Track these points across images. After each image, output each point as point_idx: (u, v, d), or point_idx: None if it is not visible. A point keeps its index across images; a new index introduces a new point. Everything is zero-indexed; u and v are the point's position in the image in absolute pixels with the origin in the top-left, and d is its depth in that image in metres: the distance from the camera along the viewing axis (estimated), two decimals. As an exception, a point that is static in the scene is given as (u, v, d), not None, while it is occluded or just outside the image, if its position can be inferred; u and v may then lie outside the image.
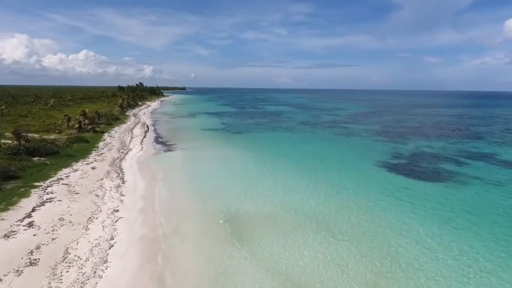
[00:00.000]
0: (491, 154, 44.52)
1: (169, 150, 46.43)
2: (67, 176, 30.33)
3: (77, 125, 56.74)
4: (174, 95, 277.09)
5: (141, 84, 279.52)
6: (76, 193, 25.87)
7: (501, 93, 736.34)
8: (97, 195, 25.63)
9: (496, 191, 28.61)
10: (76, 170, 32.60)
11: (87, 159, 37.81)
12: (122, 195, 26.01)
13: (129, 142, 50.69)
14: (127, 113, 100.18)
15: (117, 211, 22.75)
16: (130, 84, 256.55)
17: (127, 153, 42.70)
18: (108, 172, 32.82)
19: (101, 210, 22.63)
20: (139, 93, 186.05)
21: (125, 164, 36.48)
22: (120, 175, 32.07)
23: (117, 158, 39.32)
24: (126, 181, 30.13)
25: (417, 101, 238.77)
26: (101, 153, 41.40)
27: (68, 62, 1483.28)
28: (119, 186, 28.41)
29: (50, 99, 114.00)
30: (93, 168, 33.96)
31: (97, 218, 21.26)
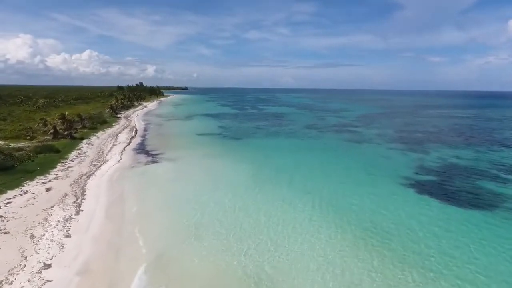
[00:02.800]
0: (533, 168, 37.39)
1: (152, 162, 39.56)
2: (8, 203, 23.58)
3: (51, 131, 50.13)
4: (175, 95, 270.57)
5: (141, 84, 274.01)
6: (5, 233, 19.09)
7: (506, 93, 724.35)
8: (32, 236, 18.83)
9: None
10: (25, 193, 25.82)
11: (47, 175, 31.03)
12: (67, 236, 19.19)
13: (108, 151, 43.89)
14: (118, 115, 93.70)
15: (48, 267, 15.93)
16: (133, 84, 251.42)
17: (100, 166, 35.92)
18: (65, 195, 26.02)
19: (24, 266, 15.81)
20: (137, 93, 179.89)
21: (91, 183, 29.68)
22: (79, 199, 25.28)
23: (85, 173, 32.53)
24: (82, 210, 23.33)
25: (423, 101, 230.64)
26: (68, 167, 34.65)
27: (72, 62, 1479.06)
28: (69, 219, 21.59)
29: (39, 100, 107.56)
30: (48, 189, 27.16)
31: (11, 284, 14.45)
